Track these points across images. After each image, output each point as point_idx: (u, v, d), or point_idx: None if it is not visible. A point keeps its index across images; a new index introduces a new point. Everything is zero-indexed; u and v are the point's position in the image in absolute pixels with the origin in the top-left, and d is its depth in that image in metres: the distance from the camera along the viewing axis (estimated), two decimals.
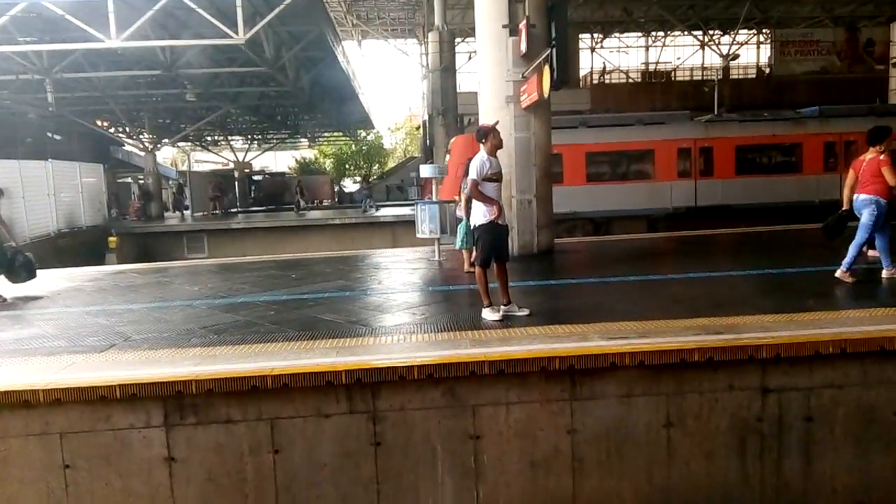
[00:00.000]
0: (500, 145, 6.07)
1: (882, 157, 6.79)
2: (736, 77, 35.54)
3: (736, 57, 32.99)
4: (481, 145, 6.00)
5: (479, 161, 5.90)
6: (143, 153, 28.84)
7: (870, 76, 30.22)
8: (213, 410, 4.62)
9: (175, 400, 4.57)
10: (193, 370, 4.72)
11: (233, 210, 31.23)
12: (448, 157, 16.98)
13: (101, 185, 23.92)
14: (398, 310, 6.74)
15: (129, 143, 32.09)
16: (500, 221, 5.92)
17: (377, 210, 26.37)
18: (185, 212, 28.50)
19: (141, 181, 30.43)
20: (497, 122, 6.56)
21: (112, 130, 30.36)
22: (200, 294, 8.06)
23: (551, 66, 8.44)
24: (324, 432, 4.70)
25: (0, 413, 4.51)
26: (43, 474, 4.59)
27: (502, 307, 6.04)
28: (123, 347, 5.55)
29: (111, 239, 20.82)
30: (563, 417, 4.79)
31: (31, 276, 8.64)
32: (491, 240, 5.94)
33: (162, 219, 26.60)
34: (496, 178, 5.94)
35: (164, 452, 4.62)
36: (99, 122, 28.70)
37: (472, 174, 5.88)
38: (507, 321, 5.86)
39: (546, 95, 8.93)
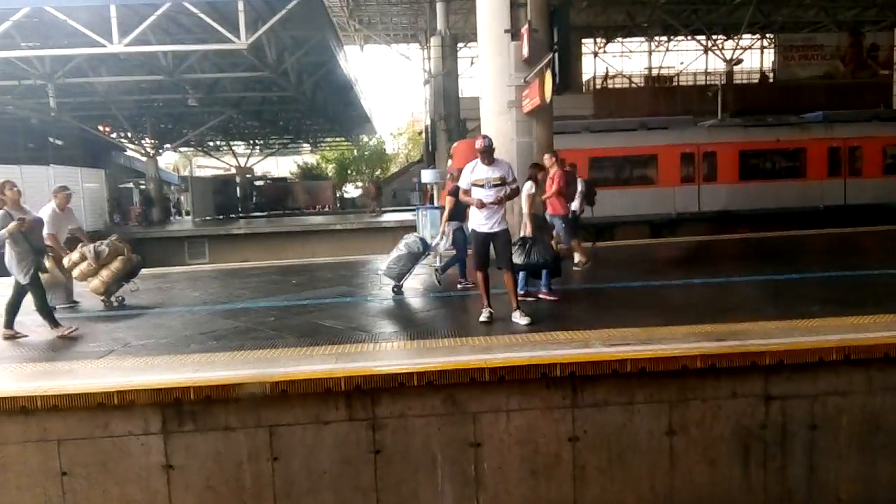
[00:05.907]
0: (483, 160, 6.08)
1: None
2: (740, 82, 35.39)
3: (739, 62, 32.83)
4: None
5: (466, 168, 6.19)
6: (144, 158, 28.89)
7: (874, 81, 30.10)
8: (212, 417, 4.58)
9: (173, 407, 4.54)
10: (192, 377, 4.70)
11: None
12: (450, 162, 17.02)
13: (103, 191, 23.96)
14: (398, 316, 6.71)
15: (130, 149, 32.15)
16: (486, 230, 5.99)
17: None
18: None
19: (142, 186, 30.46)
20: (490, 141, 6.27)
21: (114, 135, 30.39)
22: (200, 300, 8.03)
23: (553, 71, 8.44)
24: (323, 439, 4.66)
25: None
26: (40, 481, 4.56)
27: (514, 313, 6.04)
28: (122, 353, 5.52)
29: None
30: (564, 425, 4.75)
31: None
32: (475, 246, 6.16)
33: (163, 224, 26.63)
34: (480, 183, 6.05)
35: (162, 460, 4.58)
36: (101, 127, 28.73)
37: (460, 182, 6.27)
38: (507, 326, 5.82)
39: (548, 100, 8.91)
